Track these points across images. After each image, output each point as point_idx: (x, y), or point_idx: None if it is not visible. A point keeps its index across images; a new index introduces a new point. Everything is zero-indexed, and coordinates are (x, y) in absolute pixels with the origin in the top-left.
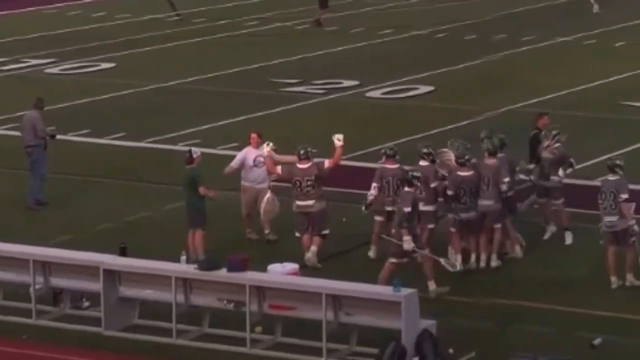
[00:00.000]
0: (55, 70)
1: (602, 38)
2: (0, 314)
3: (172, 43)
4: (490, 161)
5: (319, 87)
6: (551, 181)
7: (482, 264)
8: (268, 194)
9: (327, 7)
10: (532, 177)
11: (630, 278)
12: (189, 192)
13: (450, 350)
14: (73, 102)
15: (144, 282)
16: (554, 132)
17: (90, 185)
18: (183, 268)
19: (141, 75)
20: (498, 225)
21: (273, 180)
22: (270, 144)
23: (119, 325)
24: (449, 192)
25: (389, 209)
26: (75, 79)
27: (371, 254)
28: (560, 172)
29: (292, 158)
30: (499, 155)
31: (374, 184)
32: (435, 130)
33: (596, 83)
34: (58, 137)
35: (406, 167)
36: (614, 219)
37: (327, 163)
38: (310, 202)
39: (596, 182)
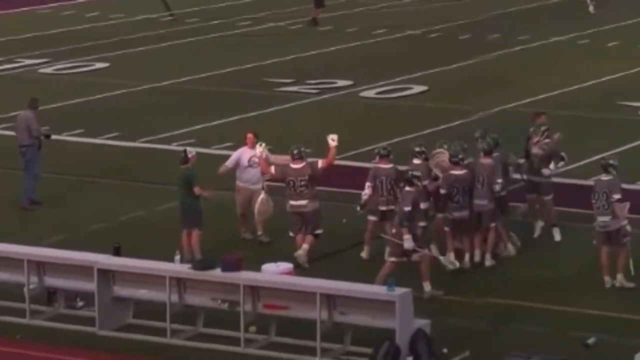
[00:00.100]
0: (49, 70)
1: (595, 38)
2: None
3: (166, 43)
4: (486, 161)
5: (313, 87)
6: (541, 176)
7: (477, 258)
8: (262, 195)
9: (323, 6)
10: (524, 176)
11: (620, 278)
12: (184, 192)
13: (444, 350)
14: (67, 102)
15: (138, 281)
16: (542, 128)
17: (84, 185)
18: (177, 268)
19: (135, 75)
20: (492, 225)
21: (267, 180)
22: (263, 145)
23: (113, 325)
24: (442, 191)
25: (383, 208)
26: (69, 78)
27: (364, 254)
28: (552, 165)
29: (287, 159)
30: (494, 154)
31: (367, 184)
32: (429, 130)
33: (590, 83)
34: (52, 137)
35: (400, 167)
36: (606, 219)
37: (320, 163)
38: (304, 202)
39: (590, 182)
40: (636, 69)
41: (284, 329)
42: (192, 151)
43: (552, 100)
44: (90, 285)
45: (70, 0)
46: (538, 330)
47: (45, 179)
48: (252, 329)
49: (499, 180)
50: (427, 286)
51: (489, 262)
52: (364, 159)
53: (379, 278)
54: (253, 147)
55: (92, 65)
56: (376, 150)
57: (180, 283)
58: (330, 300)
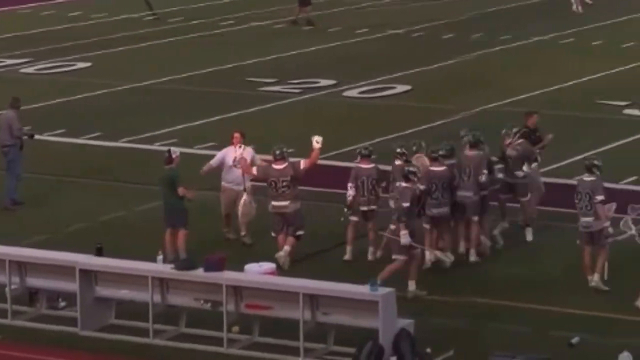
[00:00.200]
0: (30, 70)
1: (578, 37)
2: None
3: (148, 42)
4: (471, 153)
5: (296, 86)
6: (515, 178)
7: (462, 249)
8: (244, 197)
9: (310, 5)
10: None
11: (597, 279)
12: (168, 192)
13: (428, 350)
14: (48, 101)
15: (120, 282)
16: (514, 130)
17: (66, 185)
18: (160, 268)
19: (117, 75)
20: (475, 218)
21: (251, 180)
22: (243, 146)
23: (96, 325)
24: (421, 187)
25: (364, 209)
26: (51, 78)
27: (347, 256)
28: (525, 167)
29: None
30: (480, 147)
31: (349, 184)
32: (412, 130)
33: (573, 82)
34: (35, 137)
35: (381, 167)
36: (589, 219)
37: (303, 164)
38: (286, 203)
39: (573, 181)
40: (619, 68)
41: (266, 329)
42: (176, 151)
43: (535, 100)
44: (72, 286)
45: (51, 0)
46: (522, 330)
47: (27, 179)
48: (235, 329)
49: (485, 171)
50: (411, 285)
51: (473, 257)
52: (346, 159)
53: (383, 274)
54: (239, 146)
55: (74, 65)
56: (358, 150)
57: (162, 283)
58: (313, 300)
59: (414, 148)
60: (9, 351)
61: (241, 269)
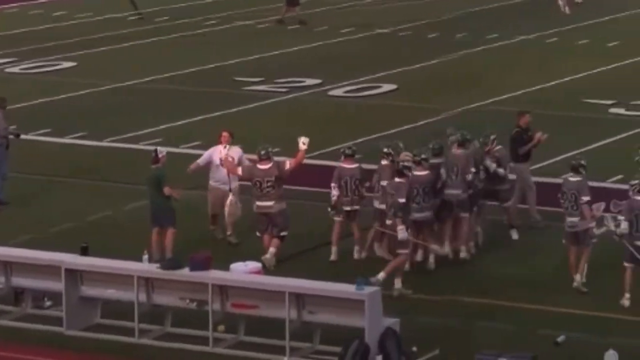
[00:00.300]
0: (15, 69)
1: (563, 36)
2: None
3: (133, 42)
4: (459, 151)
5: (281, 85)
6: (497, 183)
7: (447, 249)
8: (230, 197)
9: (299, 5)
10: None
11: (578, 280)
12: (154, 191)
13: (414, 348)
14: (34, 101)
15: (106, 281)
16: (492, 137)
17: (51, 184)
18: (145, 267)
19: (102, 75)
20: (465, 215)
21: (238, 180)
22: (227, 146)
23: (81, 325)
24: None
25: (347, 209)
26: (36, 78)
27: (332, 256)
28: (488, 161)
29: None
30: (465, 151)
31: (333, 184)
32: (398, 129)
33: (558, 81)
34: (21, 136)
35: (366, 166)
36: (575, 219)
37: (288, 164)
38: (270, 203)
39: (559, 180)
40: (604, 67)
41: (252, 328)
42: (162, 151)
43: (520, 99)
44: (58, 285)
45: None
46: (508, 329)
47: (13, 178)
48: (221, 328)
49: (473, 170)
50: (398, 283)
51: (464, 253)
52: (332, 158)
53: (387, 269)
54: (228, 145)
55: (59, 64)
56: (341, 150)
57: (148, 282)
58: (299, 299)
59: (385, 150)
60: None
61: (227, 268)
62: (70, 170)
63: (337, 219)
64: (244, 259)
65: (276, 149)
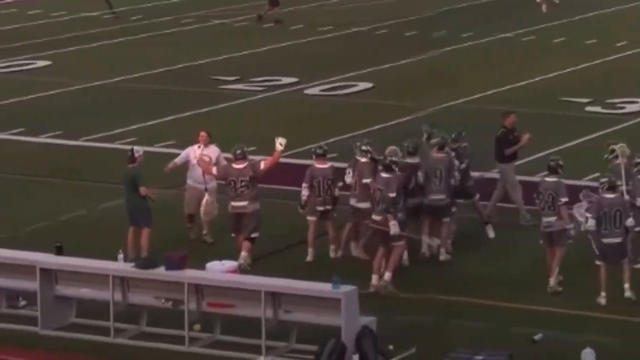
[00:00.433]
0: None
1: (540, 34)
2: None
3: (109, 40)
4: (440, 155)
5: (257, 84)
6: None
7: (424, 249)
8: (206, 196)
9: (278, 5)
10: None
11: (551, 284)
12: (130, 191)
13: (391, 347)
14: (7, 100)
15: (81, 280)
16: (463, 133)
17: (25, 184)
18: (120, 266)
19: (77, 74)
20: (447, 219)
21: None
22: (202, 146)
23: (56, 325)
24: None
25: (320, 209)
26: (9, 77)
27: (309, 257)
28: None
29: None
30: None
31: (304, 185)
32: (375, 127)
33: (536, 79)
34: None
35: (336, 165)
36: (551, 219)
37: (263, 164)
38: (244, 203)
39: (536, 178)
40: (582, 65)
41: (228, 327)
42: (139, 150)
43: (498, 97)
44: (33, 285)
45: None
46: (485, 327)
47: None
48: (197, 327)
49: (456, 173)
50: (388, 276)
51: (443, 256)
52: (308, 157)
53: (389, 267)
54: (205, 145)
55: (34, 63)
56: (312, 150)
57: (123, 282)
58: (275, 298)
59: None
60: None
61: (203, 267)
62: (44, 169)
63: (311, 218)
64: (220, 258)
65: (252, 148)
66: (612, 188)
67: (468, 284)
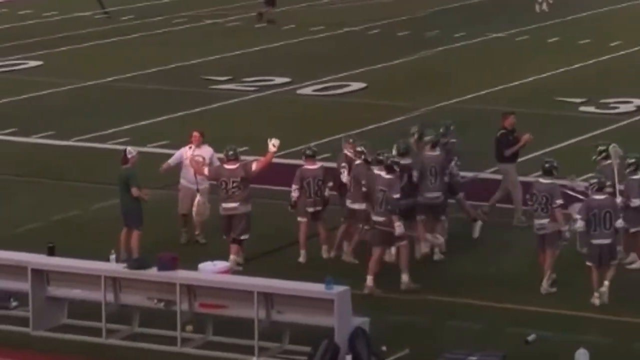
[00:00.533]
0: None
1: (534, 34)
2: None
3: (101, 40)
4: (433, 153)
5: (250, 84)
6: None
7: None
8: (198, 197)
9: (275, 5)
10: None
11: (544, 287)
12: (124, 192)
13: (384, 348)
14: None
15: (72, 281)
16: (452, 127)
17: (18, 184)
18: (112, 267)
19: (69, 74)
20: (443, 218)
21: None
22: (193, 146)
23: (48, 325)
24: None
25: (310, 210)
26: (2, 77)
27: (301, 258)
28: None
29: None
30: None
31: (294, 186)
32: (368, 127)
33: (530, 79)
34: None
35: (327, 165)
36: (544, 221)
37: (254, 165)
38: (235, 204)
39: (529, 179)
40: (576, 65)
41: (221, 328)
42: (132, 151)
43: (492, 97)
44: (24, 285)
45: None
46: (478, 327)
47: None
48: (189, 328)
49: (448, 172)
50: (405, 277)
51: (437, 255)
52: (300, 157)
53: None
54: (198, 145)
55: (25, 63)
56: (302, 151)
57: (115, 282)
58: (268, 298)
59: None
60: None
61: (195, 268)
62: (36, 169)
63: (301, 220)
64: (212, 258)
65: (244, 148)
66: (601, 189)
67: (462, 284)
